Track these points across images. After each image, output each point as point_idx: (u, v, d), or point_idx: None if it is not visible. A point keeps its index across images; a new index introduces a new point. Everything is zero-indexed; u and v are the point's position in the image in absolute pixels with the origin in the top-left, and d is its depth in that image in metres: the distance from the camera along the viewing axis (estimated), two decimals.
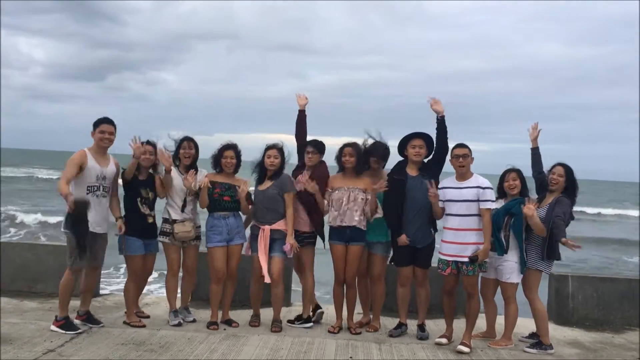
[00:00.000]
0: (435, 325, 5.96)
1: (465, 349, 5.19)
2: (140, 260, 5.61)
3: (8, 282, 6.81)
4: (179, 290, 5.96)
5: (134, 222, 5.50)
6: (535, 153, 5.92)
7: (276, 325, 5.63)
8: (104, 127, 5.34)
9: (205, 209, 5.76)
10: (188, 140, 5.80)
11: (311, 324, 5.85)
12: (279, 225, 5.60)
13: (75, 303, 5.58)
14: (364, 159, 5.65)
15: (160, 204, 5.81)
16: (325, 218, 5.81)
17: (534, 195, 5.57)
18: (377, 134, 5.81)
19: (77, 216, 4.91)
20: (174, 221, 5.65)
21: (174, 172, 5.66)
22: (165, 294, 6.01)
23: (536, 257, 5.35)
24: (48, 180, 44.06)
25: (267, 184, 5.65)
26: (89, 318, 5.50)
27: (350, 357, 4.94)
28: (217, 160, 5.71)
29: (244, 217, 5.88)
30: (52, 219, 22.31)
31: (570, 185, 5.42)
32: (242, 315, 6.03)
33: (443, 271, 5.35)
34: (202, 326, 5.64)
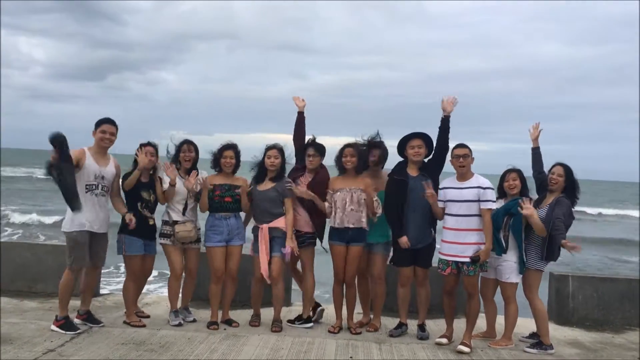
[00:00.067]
0: (436, 325, 5.96)
1: (466, 349, 5.18)
2: (139, 261, 5.61)
3: (8, 282, 6.81)
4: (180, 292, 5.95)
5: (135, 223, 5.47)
6: (536, 153, 5.92)
7: (276, 325, 5.63)
8: (105, 127, 5.34)
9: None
10: (188, 144, 5.79)
11: (311, 324, 5.85)
12: (277, 222, 5.59)
13: (76, 303, 5.59)
14: (364, 158, 5.65)
15: (160, 206, 5.80)
16: (326, 218, 5.81)
17: (534, 195, 5.57)
18: (375, 135, 5.82)
19: (57, 161, 4.87)
20: (175, 222, 5.65)
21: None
22: (165, 294, 6.00)
23: (536, 257, 5.34)
24: (48, 180, 43.98)
25: (268, 185, 5.64)
26: (89, 318, 5.50)
27: (351, 357, 4.94)
28: (217, 160, 5.71)
29: (243, 217, 5.88)
30: (48, 219, 22.31)
31: (570, 185, 5.41)
32: (242, 315, 6.03)
33: (443, 271, 5.35)
34: (202, 326, 5.64)
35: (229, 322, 5.75)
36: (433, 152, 5.62)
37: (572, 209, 5.38)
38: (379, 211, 5.55)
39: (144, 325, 5.57)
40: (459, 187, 5.32)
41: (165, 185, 5.60)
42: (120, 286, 6.15)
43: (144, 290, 6.29)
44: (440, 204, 5.40)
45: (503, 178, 5.49)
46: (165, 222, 5.71)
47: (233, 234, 5.66)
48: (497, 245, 5.22)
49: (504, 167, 5.53)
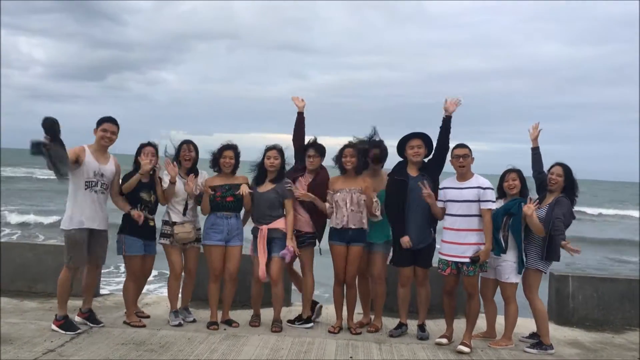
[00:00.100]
0: (436, 326, 5.96)
1: (466, 349, 5.18)
2: (139, 261, 5.61)
3: (8, 282, 6.82)
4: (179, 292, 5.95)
5: (135, 224, 5.48)
6: (536, 153, 5.93)
7: (276, 325, 5.63)
8: (106, 125, 5.35)
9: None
10: (187, 143, 5.79)
11: (311, 323, 5.85)
12: (277, 224, 5.59)
13: (76, 303, 5.59)
14: (364, 158, 5.65)
15: (161, 206, 5.80)
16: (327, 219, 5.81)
17: (534, 195, 5.57)
18: (372, 133, 5.81)
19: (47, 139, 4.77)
20: (174, 223, 5.65)
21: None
22: (165, 294, 6.00)
23: (536, 257, 5.34)
24: (47, 180, 44.03)
25: (268, 186, 5.64)
26: (90, 317, 5.50)
27: (351, 357, 4.94)
28: (216, 159, 5.71)
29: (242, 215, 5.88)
30: (47, 219, 22.30)
31: (569, 185, 5.42)
32: (242, 315, 6.03)
33: (443, 271, 5.35)
34: (202, 326, 5.64)
35: (229, 323, 5.75)
36: (433, 152, 5.62)
37: (573, 209, 5.39)
38: (378, 213, 5.54)
39: (144, 326, 5.57)
40: (459, 187, 5.32)
41: (165, 184, 5.60)
42: (120, 286, 6.15)
43: (144, 291, 6.30)
44: (440, 204, 5.40)
45: (503, 178, 5.49)
46: (165, 223, 5.71)
47: (232, 234, 5.66)
48: (496, 245, 5.22)
49: (504, 167, 5.53)
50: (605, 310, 6.57)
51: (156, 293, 8.84)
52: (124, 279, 5.85)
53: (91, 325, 5.45)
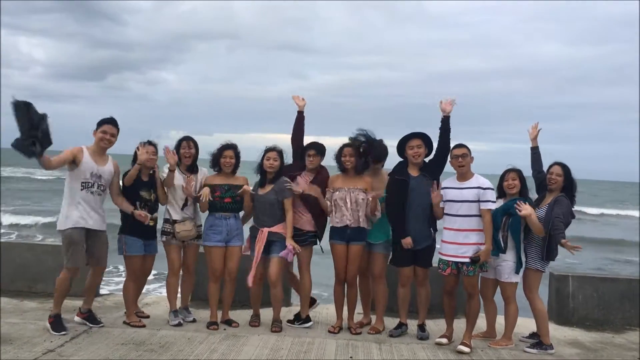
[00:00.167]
0: (436, 325, 5.96)
1: (466, 349, 5.18)
2: (139, 261, 5.61)
3: (8, 282, 6.81)
4: (178, 290, 5.95)
5: (135, 223, 5.47)
6: (535, 152, 5.93)
7: (276, 325, 5.63)
8: (106, 127, 5.33)
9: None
10: (187, 140, 5.79)
11: (311, 322, 5.85)
12: (278, 228, 5.60)
13: (77, 303, 5.59)
14: (364, 158, 5.65)
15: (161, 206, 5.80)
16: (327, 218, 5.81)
17: (533, 195, 5.57)
18: (371, 134, 5.80)
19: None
20: (175, 221, 5.66)
21: (175, 172, 5.64)
22: (164, 294, 6.00)
23: (536, 257, 5.34)
24: (47, 180, 44.03)
25: (267, 188, 5.63)
26: (90, 317, 5.50)
27: (351, 357, 4.93)
28: (216, 159, 5.71)
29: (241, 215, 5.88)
30: (47, 220, 22.26)
31: (568, 185, 5.42)
32: (242, 315, 6.03)
33: (443, 271, 5.35)
34: (202, 326, 5.64)
35: (228, 322, 5.75)
36: (435, 152, 5.61)
37: (572, 208, 5.39)
38: (378, 214, 5.55)
39: (143, 326, 5.57)
40: (459, 187, 5.32)
41: (164, 174, 5.60)
42: (120, 286, 6.15)
43: (143, 291, 6.29)
44: (440, 204, 5.40)
45: (503, 178, 5.49)
46: (166, 220, 5.72)
47: (232, 234, 5.66)
48: (495, 245, 5.21)
49: (504, 167, 5.52)
50: (606, 310, 6.57)
51: (156, 293, 8.84)
52: (124, 278, 5.84)
53: (91, 325, 5.45)
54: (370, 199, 5.49)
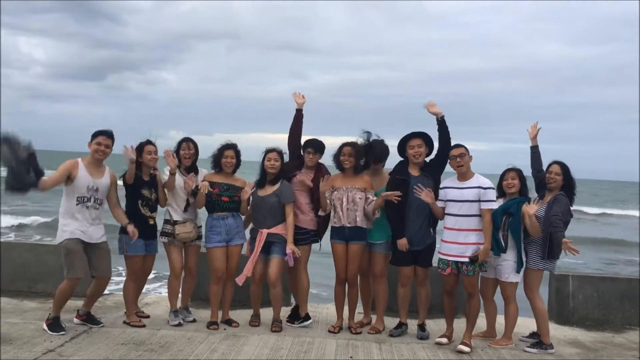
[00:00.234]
0: (436, 325, 5.96)
1: (466, 349, 5.18)
2: (140, 261, 5.61)
3: (8, 282, 6.81)
4: (179, 291, 5.94)
5: (135, 223, 5.46)
6: (535, 152, 5.93)
7: (276, 325, 5.63)
8: (100, 139, 5.30)
9: (205, 209, 5.75)
10: (187, 141, 5.79)
11: (310, 320, 5.86)
12: (278, 229, 5.60)
13: (77, 303, 5.59)
14: (364, 158, 5.65)
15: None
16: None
17: (533, 194, 5.57)
18: (372, 134, 5.80)
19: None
20: (175, 222, 5.66)
21: (176, 175, 5.63)
22: (164, 294, 6.00)
23: (537, 256, 5.34)
24: None
25: (268, 190, 5.63)
26: (88, 318, 5.50)
27: (351, 357, 4.93)
28: (217, 159, 5.71)
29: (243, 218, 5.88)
30: (46, 219, 22.24)
31: (567, 184, 5.42)
32: (242, 315, 6.03)
33: (443, 271, 5.35)
34: (202, 326, 5.64)
35: (228, 322, 5.75)
36: (436, 152, 5.60)
37: (571, 207, 5.38)
38: (378, 213, 5.55)
39: (143, 326, 5.57)
40: (459, 187, 5.32)
41: (165, 177, 5.60)
42: (121, 286, 6.15)
43: (143, 290, 6.30)
44: (441, 204, 5.40)
45: (502, 177, 5.49)
46: (166, 221, 5.72)
47: (232, 233, 5.66)
48: (495, 245, 5.21)
49: (504, 167, 5.52)
50: (606, 309, 6.56)
51: (155, 293, 8.83)
52: (124, 278, 5.85)
53: (91, 325, 5.45)
54: (370, 196, 5.49)
